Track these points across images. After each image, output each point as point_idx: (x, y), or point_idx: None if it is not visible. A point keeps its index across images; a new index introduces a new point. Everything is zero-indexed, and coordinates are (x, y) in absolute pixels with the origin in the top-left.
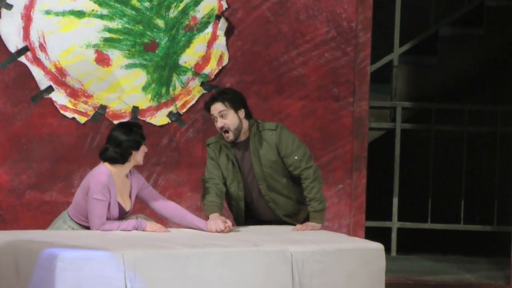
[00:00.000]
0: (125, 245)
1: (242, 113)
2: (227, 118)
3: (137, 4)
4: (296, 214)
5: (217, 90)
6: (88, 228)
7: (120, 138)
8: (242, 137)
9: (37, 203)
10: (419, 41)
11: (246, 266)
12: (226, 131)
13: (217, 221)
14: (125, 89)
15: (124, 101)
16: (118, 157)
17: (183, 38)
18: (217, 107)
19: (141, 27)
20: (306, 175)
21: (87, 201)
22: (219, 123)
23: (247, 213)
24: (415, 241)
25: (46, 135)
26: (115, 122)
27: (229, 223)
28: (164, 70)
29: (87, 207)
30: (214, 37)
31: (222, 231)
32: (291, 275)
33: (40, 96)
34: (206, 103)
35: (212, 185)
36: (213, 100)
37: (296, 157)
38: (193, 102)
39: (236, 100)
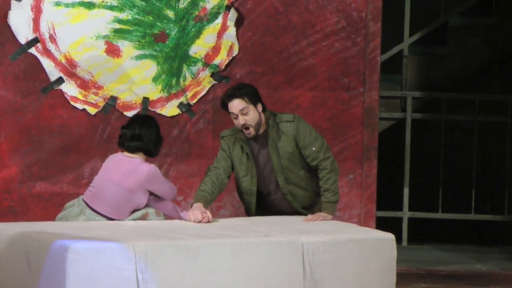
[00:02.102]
0: (136, 236)
1: (260, 107)
2: (248, 114)
3: None
4: (312, 206)
5: (232, 87)
6: (110, 219)
7: (158, 135)
8: (260, 131)
9: (48, 195)
10: (429, 31)
11: (257, 256)
12: (247, 128)
13: (195, 211)
14: (135, 80)
15: (135, 92)
16: (154, 151)
17: (193, 29)
18: (238, 105)
19: (151, 18)
20: (324, 165)
21: (154, 188)
22: (241, 120)
23: (261, 206)
24: (426, 231)
25: (57, 127)
26: (126, 113)
27: (208, 214)
28: (174, 61)
29: (163, 189)
30: (224, 27)
31: (200, 222)
32: (302, 265)
33: (50, 88)
34: (223, 101)
35: (213, 175)
36: (232, 96)
37: (314, 148)
38: (203, 93)
39: (253, 94)
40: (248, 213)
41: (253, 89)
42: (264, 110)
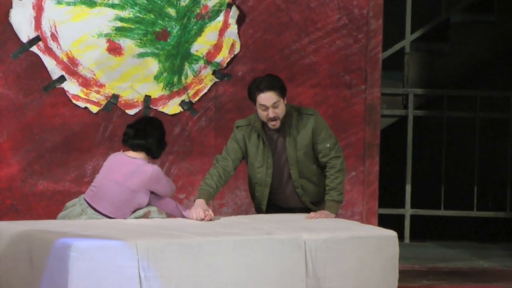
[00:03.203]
0: (138, 234)
1: (285, 100)
2: (279, 108)
3: None
4: (320, 203)
5: (263, 78)
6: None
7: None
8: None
9: (50, 193)
10: (431, 28)
11: (259, 254)
12: (275, 119)
13: (197, 209)
14: (137, 78)
15: (136, 90)
16: (156, 153)
17: (194, 27)
18: (272, 98)
19: (152, 16)
20: (333, 164)
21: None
22: (271, 113)
23: (270, 200)
24: (428, 228)
25: (58, 125)
26: (127, 111)
27: (210, 212)
28: (176, 59)
29: (164, 189)
30: (225, 25)
31: (202, 220)
32: (304, 263)
33: (52, 86)
34: (252, 92)
35: (220, 166)
36: (266, 89)
37: (327, 145)
38: (205, 90)
39: (283, 87)
40: (259, 205)
41: (282, 81)
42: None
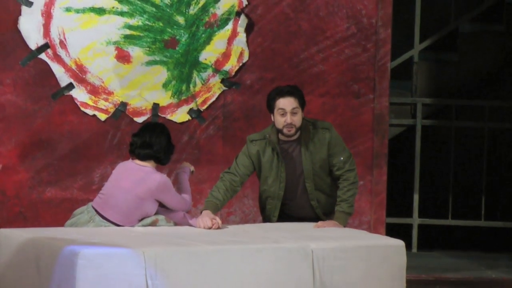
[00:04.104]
0: (146, 242)
1: (303, 112)
2: (297, 116)
3: (157, 1)
4: (332, 213)
5: (285, 86)
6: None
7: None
8: (296, 135)
9: (58, 201)
10: (440, 38)
11: (266, 263)
12: (291, 127)
13: (204, 217)
14: (145, 86)
15: (145, 98)
16: (165, 160)
17: (203, 35)
18: (291, 103)
19: (161, 24)
20: (347, 176)
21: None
22: (289, 119)
23: (280, 211)
24: (436, 237)
25: (67, 132)
26: (136, 119)
27: (218, 220)
28: (184, 67)
29: (172, 200)
30: (234, 33)
31: (209, 228)
32: (312, 271)
33: (61, 93)
34: (272, 97)
35: (227, 181)
36: (288, 94)
37: (342, 158)
38: (213, 99)
39: (304, 99)
40: (270, 217)
41: (303, 93)
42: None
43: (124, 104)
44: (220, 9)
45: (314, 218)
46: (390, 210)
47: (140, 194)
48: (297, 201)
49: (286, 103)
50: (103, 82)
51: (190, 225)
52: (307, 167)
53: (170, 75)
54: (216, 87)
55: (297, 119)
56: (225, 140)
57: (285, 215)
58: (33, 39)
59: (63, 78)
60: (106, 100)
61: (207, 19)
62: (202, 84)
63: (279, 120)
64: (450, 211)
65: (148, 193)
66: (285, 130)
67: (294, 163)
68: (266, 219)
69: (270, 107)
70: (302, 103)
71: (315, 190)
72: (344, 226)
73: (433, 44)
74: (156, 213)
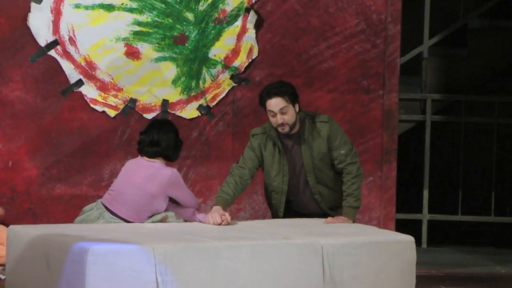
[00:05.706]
0: (156, 239)
1: (297, 107)
2: (287, 114)
3: None
4: (338, 208)
5: (272, 84)
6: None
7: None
8: (293, 130)
9: (67, 197)
10: (449, 33)
11: (276, 259)
12: (282, 125)
13: (214, 214)
14: (155, 82)
15: (154, 94)
16: (173, 156)
17: (212, 31)
18: (278, 103)
19: (170, 21)
20: (349, 170)
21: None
22: (279, 119)
23: (286, 207)
24: (446, 233)
25: (76, 129)
26: (145, 115)
27: (227, 216)
28: (193, 63)
29: (183, 195)
30: (243, 30)
31: (219, 224)
32: (322, 267)
33: (70, 90)
34: (262, 98)
35: (237, 175)
36: (273, 94)
37: (343, 151)
38: (223, 95)
39: (293, 94)
40: (276, 212)
41: (293, 88)
42: (299, 109)
43: (133, 101)
44: (230, 5)
45: (321, 214)
46: (400, 206)
47: (151, 190)
48: (300, 196)
49: (273, 104)
50: (112, 79)
51: (200, 222)
52: (307, 161)
53: (180, 72)
54: (226, 84)
55: (288, 117)
56: (234, 136)
57: (292, 211)
58: (43, 36)
59: (73, 75)
60: (115, 96)
61: (216, 15)
62: (212, 80)
63: (272, 120)
64: (460, 207)
65: (159, 189)
66: (279, 129)
67: (295, 157)
68: (273, 214)
69: (263, 106)
70: (292, 99)
71: (317, 184)
72: (353, 220)
73: (443, 40)
74: (166, 210)
